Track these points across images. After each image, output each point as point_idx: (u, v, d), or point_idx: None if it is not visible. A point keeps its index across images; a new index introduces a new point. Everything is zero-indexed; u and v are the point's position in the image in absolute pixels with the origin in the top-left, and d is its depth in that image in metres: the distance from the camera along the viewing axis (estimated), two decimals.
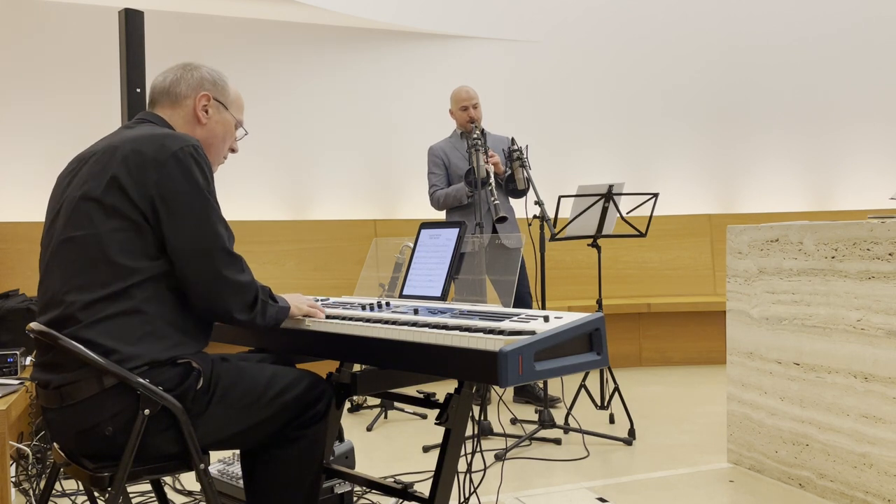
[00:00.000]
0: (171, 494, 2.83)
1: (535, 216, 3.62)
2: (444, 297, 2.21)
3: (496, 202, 3.61)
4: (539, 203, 3.61)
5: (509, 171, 4.00)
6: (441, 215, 4.36)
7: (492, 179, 3.69)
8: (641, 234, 3.69)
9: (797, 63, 6.15)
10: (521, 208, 3.86)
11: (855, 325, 2.57)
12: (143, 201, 1.63)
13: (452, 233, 2.29)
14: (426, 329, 1.70)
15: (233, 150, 1.99)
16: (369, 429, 3.86)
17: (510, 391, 4.47)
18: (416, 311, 1.93)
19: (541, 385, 4.02)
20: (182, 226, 1.64)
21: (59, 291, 1.64)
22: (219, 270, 1.67)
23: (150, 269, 1.64)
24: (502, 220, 3.57)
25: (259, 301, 1.75)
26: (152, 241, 1.65)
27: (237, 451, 2.45)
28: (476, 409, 3.63)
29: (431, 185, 4.22)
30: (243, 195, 5.30)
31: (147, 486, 2.80)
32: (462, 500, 2.20)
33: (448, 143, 4.28)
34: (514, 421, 3.84)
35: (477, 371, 1.55)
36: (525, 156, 3.85)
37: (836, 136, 6.17)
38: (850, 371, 2.59)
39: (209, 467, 1.75)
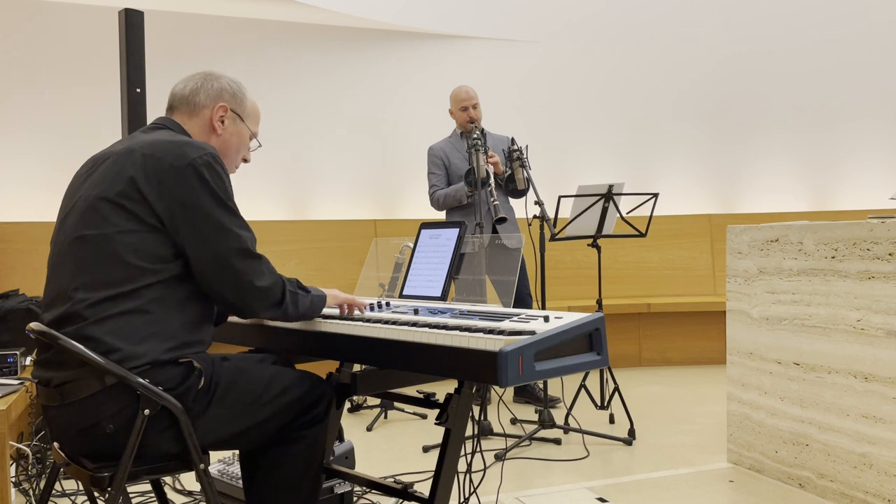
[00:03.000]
0: (171, 494, 2.83)
1: (535, 216, 3.62)
2: (444, 297, 2.21)
3: (495, 202, 3.60)
4: (539, 203, 3.61)
5: (509, 172, 4.00)
6: (441, 215, 4.36)
7: (491, 180, 3.69)
8: (641, 234, 3.69)
9: (797, 64, 6.15)
10: (521, 208, 3.86)
11: (855, 325, 2.57)
12: (160, 206, 1.65)
13: (452, 233, 2.29)
14: (426, 329, 1.70)
15: (245, 161, 2.02)
16: (369, 429, 3.86)
17: (510, 391, 4.47)
18: (416, 311, 1.93)
19: (541, 385, 4.02)
20: (201, 234, 1.66)
21: (68, 288, 1.65)
22: (242, 274, 1.69)
23: (161, 271, 1.65)
24: (502, 220, 3.57)
25: (287, 293, 1.78)
26: (166, 245, 1.66)
27: (237, 451, 2.45)
28: (476, 409, 3.63)
29: (431, 186, 4.22)
30: (244, 195, 5.26)
31: (147, 486, 2.80)
32: (462, 500, 2.20)
33: (448, 143, 4.28)
34: (514, 421, 3.84)
35: (477, 371, 1.55)
36: (525, 156, 3.85)
37: (836, 136, 6.17)
38: (850, 371, 2.59)
39: (209, 467, 1.75)
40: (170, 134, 1.80)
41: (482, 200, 3.67)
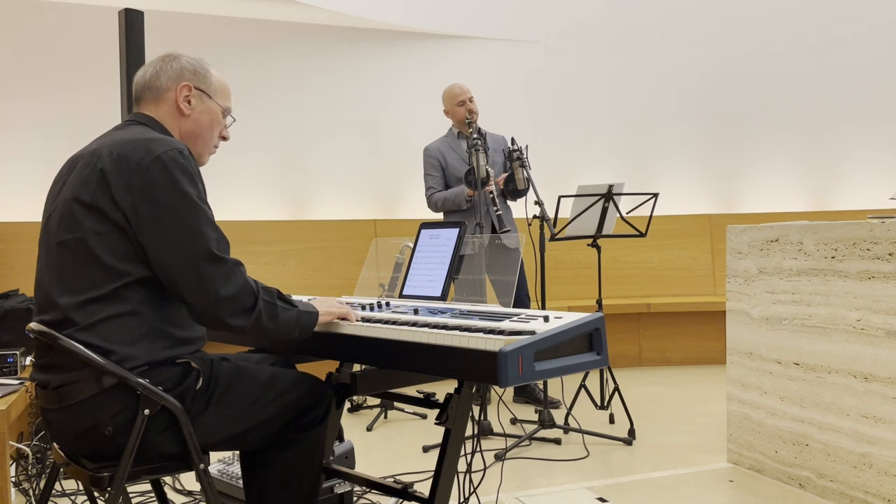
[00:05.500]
0: (171, 494, 2.83)
1: (535, 216, 3.62)
2: (444, 297, 2.21)
3: (498, 212, 3.60)
4: (539, 203, 3.61)
5: (510, 172, 4.00)
6: (439, 216, 4.36)
7: (492, 187, 3.69)
8: (641, 234, 3.69)
9: (797, 64, 6.15)
10: (521, 208, 3.86)
11: (855, 325, 2.57)
12: (126, 204, 1.60)
13: (452, 233, 2.29)
14: (426, 329, 1.70)
15: (224, 138, 1.93)
16: (369, 429, 3.86)
17: (510, 391, 4.46)
18: (416, 311, 1.93)
19: (540, 385, 4.02)
20: (163, 233, 1.60)
21: (53, 294, 1.64)
22: (204, 280, 1.61)
23: (141, 270, 1.62)
24: (504, 232, 3.57)
25: (261, 302, 1.68)
26: (137, 243, 1.62)
27: (237, 451, 2.45)
28: (476, 409, 3.63)
29: (428, 188, 4.20)
30: (243, 195, 5.30)
31: (147, 486, 2.80)
32: (462, 500, 2.20)
33: (444, 142, 4.27)
34: (514, 421, 3.84)
35: (477, 371, 1.55)
36: (525, 156, 3.85)
37: (836, 136, 6.17)
38: (850, 371, 2.59)
39: (209, 467, 1.75)
40: (141, 130, 1.74)
41: (482, 202, 3.66)
